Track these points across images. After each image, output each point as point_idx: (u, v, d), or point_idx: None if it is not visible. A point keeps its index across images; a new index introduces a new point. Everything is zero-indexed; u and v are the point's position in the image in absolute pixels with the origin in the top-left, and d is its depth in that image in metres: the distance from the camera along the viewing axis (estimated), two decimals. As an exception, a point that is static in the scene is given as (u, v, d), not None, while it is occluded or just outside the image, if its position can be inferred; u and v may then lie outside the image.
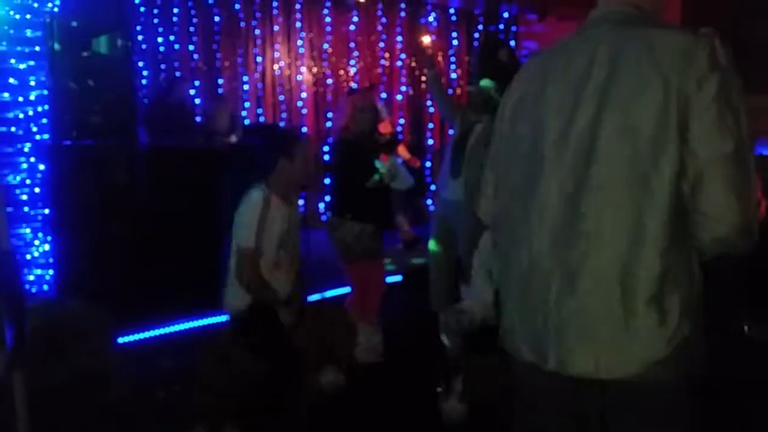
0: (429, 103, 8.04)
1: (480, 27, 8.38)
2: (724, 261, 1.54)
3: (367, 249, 3.96)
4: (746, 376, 2.84)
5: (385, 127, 6.81)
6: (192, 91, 6.72)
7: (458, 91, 8.32)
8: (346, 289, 4.64)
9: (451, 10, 8.20)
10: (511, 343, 1.56)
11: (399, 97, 8.08)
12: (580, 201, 1.39)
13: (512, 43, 8.14)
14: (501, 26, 8.32)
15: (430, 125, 8.25)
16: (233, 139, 6.15)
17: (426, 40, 7.01)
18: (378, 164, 4.00)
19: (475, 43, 8.30)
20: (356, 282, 4.13)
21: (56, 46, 4.09)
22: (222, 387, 2.92)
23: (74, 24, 4.11)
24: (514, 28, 8.37)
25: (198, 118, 6.49)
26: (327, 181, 7.45)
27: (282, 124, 7.35)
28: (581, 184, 1.38)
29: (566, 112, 1.42)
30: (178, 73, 6.54)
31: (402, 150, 7.07)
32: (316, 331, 3.14)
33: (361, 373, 3.97)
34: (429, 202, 7.45)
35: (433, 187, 7.41)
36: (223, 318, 3.31)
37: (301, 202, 5.25)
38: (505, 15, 8.23)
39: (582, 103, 1.40)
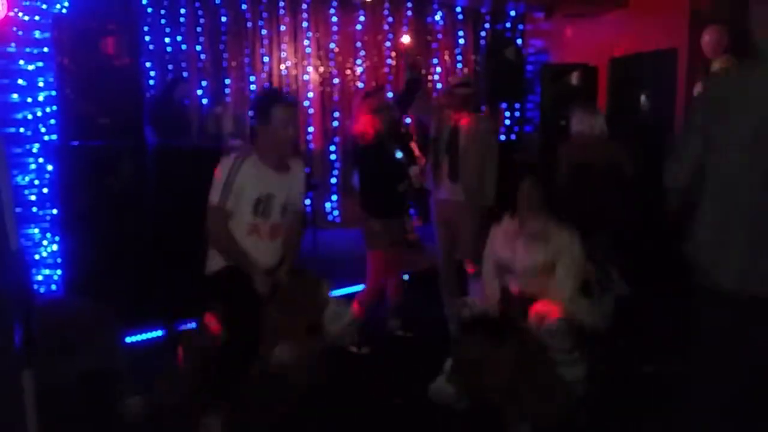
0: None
1: (487, 25, 8.35)
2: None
3: (393, 238, 4.28)
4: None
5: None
6: (199, 92, 6.74)
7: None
8: (356, 288, 4.67)
9: (458, 9, 8.17)
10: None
11: (405, 96, 8.07)
12: (753, 176, 2.09)
13: (519, 41, 8.13)
14: (508, 24, 8.31)
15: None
16: (238, 142, 6.16)
17: (405, 40, 6.99)
18: (402, 162, 4.38)
19: (482, 42, 8.28)
20: (376, 269, 4.28)
21: (64, 47, 4.11)
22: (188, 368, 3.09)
23: (82, 25, 4.13)
24: (521, 27, 8.36)
25: (191, 120, 6.50)
26: (333, 180, 7.51)
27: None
28: (757, 165, 2.09)
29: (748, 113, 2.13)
30: (171, 75, 6.53)
31: (413, 147, 7.07)
32: (291, 304, 3.15)
33: (362, 363, 4.00)
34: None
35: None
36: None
37: (307, 201, 5.24)
38: (512, 13, 8.21)
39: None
